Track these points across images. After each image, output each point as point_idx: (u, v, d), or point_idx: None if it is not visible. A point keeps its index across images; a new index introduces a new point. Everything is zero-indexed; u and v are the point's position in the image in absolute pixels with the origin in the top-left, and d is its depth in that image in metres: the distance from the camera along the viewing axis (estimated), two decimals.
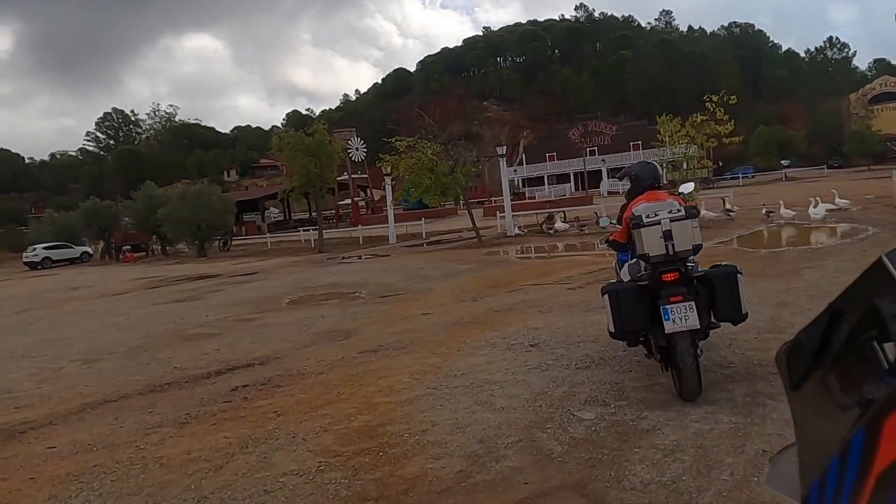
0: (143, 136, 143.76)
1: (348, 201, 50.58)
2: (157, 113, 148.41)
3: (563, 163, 69.90)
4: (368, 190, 52.56)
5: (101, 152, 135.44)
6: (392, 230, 27.43)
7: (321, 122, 25.86)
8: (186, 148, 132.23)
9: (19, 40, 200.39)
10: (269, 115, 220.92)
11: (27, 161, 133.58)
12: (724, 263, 4.72)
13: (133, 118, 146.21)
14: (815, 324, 0.60)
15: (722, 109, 17.23)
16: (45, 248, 41.59)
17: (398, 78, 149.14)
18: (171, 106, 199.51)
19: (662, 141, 18.44)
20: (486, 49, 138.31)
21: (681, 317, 4.17)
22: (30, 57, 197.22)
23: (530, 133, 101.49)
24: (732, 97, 16.86)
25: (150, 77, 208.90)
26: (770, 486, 0.93)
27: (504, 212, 24.17)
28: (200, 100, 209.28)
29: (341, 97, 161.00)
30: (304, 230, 40.01)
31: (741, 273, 4.48)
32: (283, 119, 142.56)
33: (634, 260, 4.77)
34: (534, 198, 57.60)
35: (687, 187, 5.94)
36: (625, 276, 4.86)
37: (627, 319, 4.41)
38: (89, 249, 42.84)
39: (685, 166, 18.97)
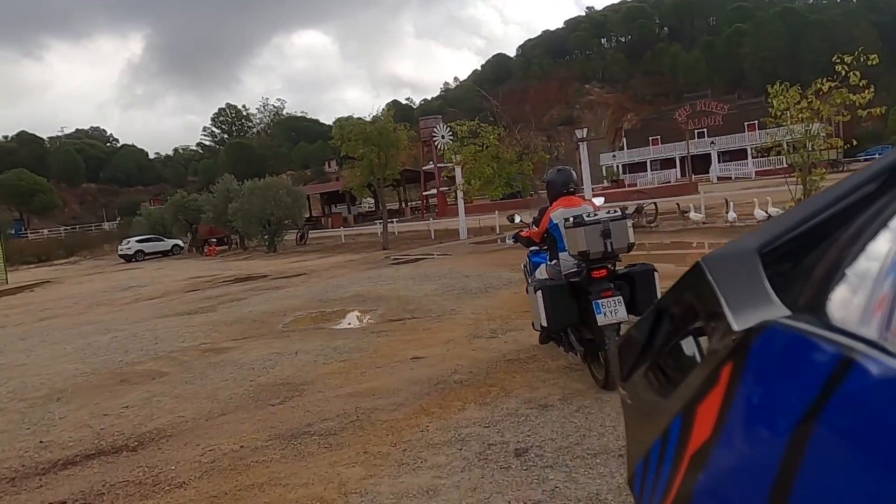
0: (254, 129, 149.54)
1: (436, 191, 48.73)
2: (266, 107, 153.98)
3: (667, 147, 64.38)
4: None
5: (217, 146, 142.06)
6: (462, 224, 24.99)
7: (388, 110, 23.79)
8: (293, 140, 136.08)
9: (149, 45, 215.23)
10: (375, 105, 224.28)
11: (153, 156, 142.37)
12: (641, 263, 5.11)
13: (245, 113, 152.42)
14: (642, 320, 0.63)
15: (858, 73, 13.39)
16: (139, 240, 42.47)
17: (498, 64, 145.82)
18: (279, 100, 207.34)
19: (775, 115, 14.67)
20: (589, 29, 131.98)
21: (611, 310, 4.54)
22: (158, 60, 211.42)
23: (634, 115, 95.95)
24: (872, 56, 12.94)
25: (264, 74, 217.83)
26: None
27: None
28: (311, 94, 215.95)
29: (442, 86, 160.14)
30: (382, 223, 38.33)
31: (657, 271, 4.92)
32: (384, 109, 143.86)
33: (555, 261, 5.17)
34: (634, 185, 53.23)
35: (599, 201, 6.09)
36: (540, 275, 5.32)
37: (560, 313, 4.73)
38: (180, 242, 43.39)
39: (809, 147, 15.10)
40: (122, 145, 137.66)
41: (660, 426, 0.58)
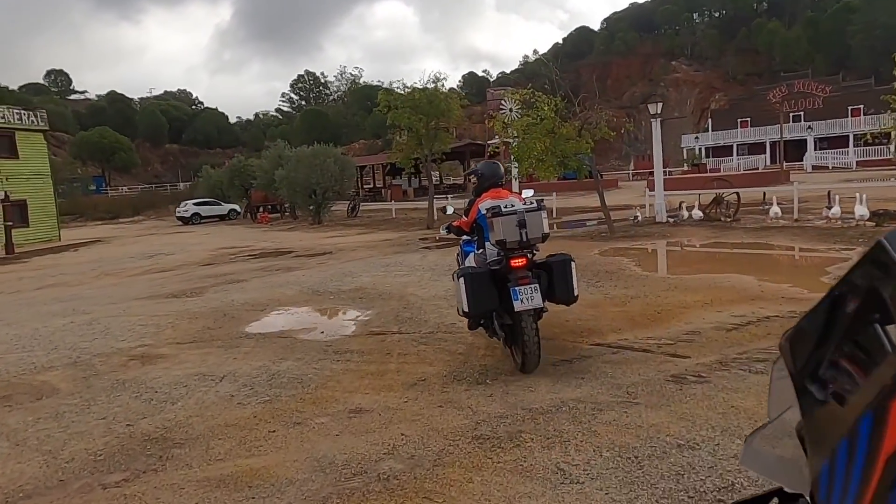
0: (331, 97, 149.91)
1: None
2: (343, 75, 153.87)
3: (757, 130, 59.08)
4: None
5: (294, 112, 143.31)
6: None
7: (440, 76, 21.64)
8: (367, 109, 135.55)
9: (237, 11, 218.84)
10: (452, 78, 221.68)
11: (234, 120, 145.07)
12: (560, 253, 5.36)
13: (323, 80, 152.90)
14: (816, 310, 0.59)
15: None
16: (196, 203, 42.12)
17: (580, 37, 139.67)
18: (356, 68, 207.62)
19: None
20: (679, 3, 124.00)
21: (528, 297, 4.74)
22: (245, 27, 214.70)
23: (722, 95, 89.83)
24: None
25: (345, 43, 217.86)
26: (745, 465, 0.90)
27: (654, 188, 18.37)
28: (390, 64, 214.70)
29: (521, 59, 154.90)
30: (442, 198, 36.37)
31: (574, 261, 5.17)
32: (460, 81, 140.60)
33: (481, 250, 5.49)
34: (717, 170, 49.01)
35: (528, 192, 6.29)
36: (470, 263, 5.56)
37: (480, 300, 4.91)
38: (237, 207, 42.78)
39: None
40: (205, 108, 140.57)
41: (845, 424, 0.53)
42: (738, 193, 17.52)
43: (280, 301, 9.51)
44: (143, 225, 44.60)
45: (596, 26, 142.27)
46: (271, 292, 10.32)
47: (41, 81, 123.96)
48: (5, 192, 25.81)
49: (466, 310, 4.94)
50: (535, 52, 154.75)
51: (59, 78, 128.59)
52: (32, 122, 30.11)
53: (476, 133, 71.16)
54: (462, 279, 4.92)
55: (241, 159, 41.88)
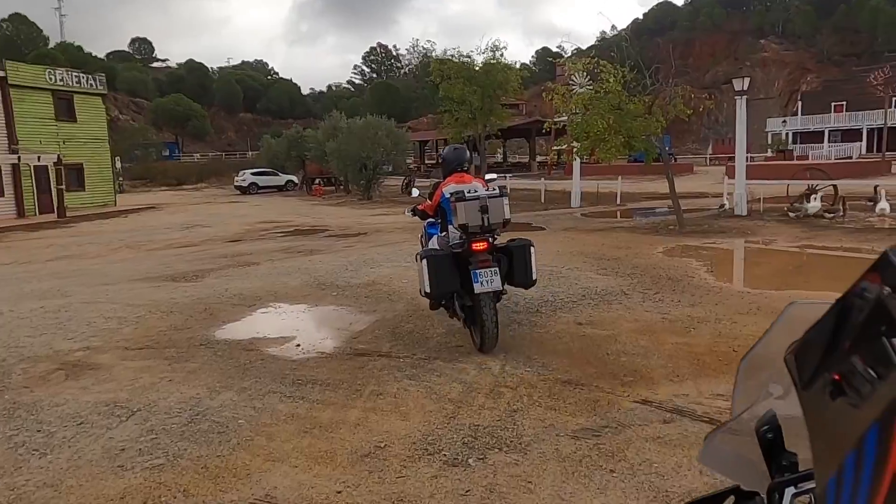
0: (402, 70, 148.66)
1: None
2: (415, 48, 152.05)
3: (853, 115, 54.05)
4: None
5: (365, 84, 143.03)
6: (576, 190, 20.66)
7: (499, 45, 19.69)
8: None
9: None
10: (525, 53, 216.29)
11: (307, 92, 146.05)
12: (519, 238, 5.52)
13: (395, 53, 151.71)
14: (822, 322, 0.59)
15: None
16: (253, 173, 41.77)
17: (662, 12, 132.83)
18: (429, 41, 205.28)
19: None
20: None
21: (488, 280, 4.88)
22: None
23: (814, 77, 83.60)
24: None
25: (420, 16, 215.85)
26: (703, 463, 0.91)
27: (735, 177, 16.05)
28: (464, 39, 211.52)
29: (598, 34, 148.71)
30: (500, 177, 34.57)
31: (534, 246, 5.35)
32: (533, 56, 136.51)
33: (444, 233, 5.63)
34: (805, 158, 45.01)
35: (491, 177, 6.10)
36: (433, 245, 5.65)
37: (442, 281, 5.03)
38: (294, 178, 42.17)
39: None
40: (279, 79, 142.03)
41: (853, 437, 0.53)
42: (835, 186, 15.06)
43: (277, 294, 8.14)
44: (203, 193, 44.70)
45: (680, 1, 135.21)
46: (274, 281, 8.97)
47: (126, 49, 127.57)
48: (59, 154, 25.64)
49: (428, 290, 5.07)
50: (613, 27, 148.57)
51: (142, 46, 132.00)
52: (91, 85, 29.96)
53: (546, 111, 68.51)
54: (425, 261, 5.02)
55: (299, 130, 41.06)
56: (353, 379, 4.80)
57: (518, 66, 19.77)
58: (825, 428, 0.59)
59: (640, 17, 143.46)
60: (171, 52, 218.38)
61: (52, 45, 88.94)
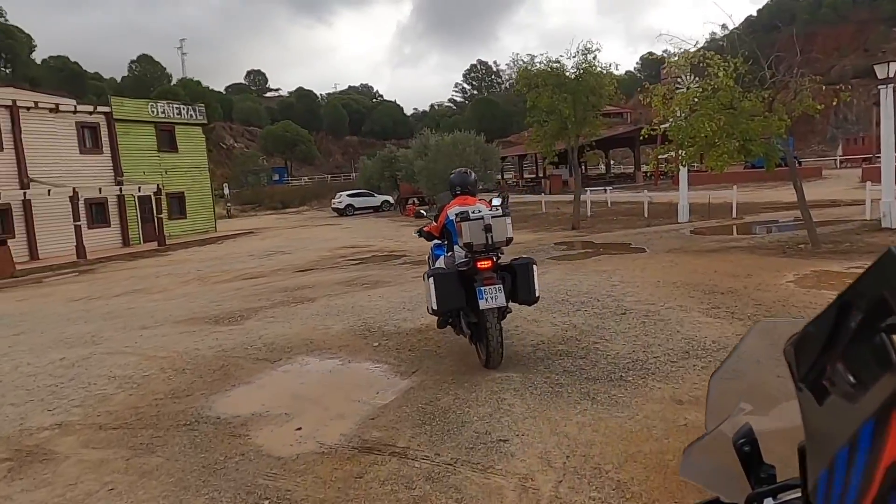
0: (503, 85, 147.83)
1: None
2: (515, 63, 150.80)
3: None
4: None
5: (466, 102, 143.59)
6: (683, 202, 18.33)
7: (592, 47, 17.81)
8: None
9: (416, 6, 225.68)
10: (628, 60, 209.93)
11: (411, 112, 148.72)
12: (523, 256, 5.59)
13: (495, 69, 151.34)
14: (823, 316, 0.60)
15: None
16: (350, 195, 41.81)
17: (778, 7, 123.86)
18: (529, 55, 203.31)
19: None
20: None
21: (492, 296, 4.98)
22: (423, 21, 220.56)
23: None
24: None
25: (521, 31, 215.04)
26: (684, 476, 0.94)
27: (882, 181, 13.30)
28: (567, 50, 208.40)
29: (707, 35, 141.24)
30: (600, 190, 32.46)
31: (536, 264, 5.43)
32: (637, 63, 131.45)
33: (451, 252, 5.69)
34: None
35: (497, 200, 5.74)
36: (440, 265, 5.68)
37: (448, 298, 5.13)
38: (390, 199, 41.83)
39: None
40: (382, 101, 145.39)
41: (846, 432, 0.54)
42: None
43: (312, 343, 6.91)
44: (303, 216, 45.34)
45: None
46: (317, 325, 7.78)
47: (242, 81, 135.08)
48: (158, 184, 26.32)
49: (435, 307, 5.14)
50: (724, 27, 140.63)
51: (257, 77, 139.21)
52: (191, 116, 30.83)
53: (652, 118, 64.91)
54: (431, 279, 5.15)
55: (393, 150, 40.70)
56: (339, 501, 3.38)
57: (614, 68, 17.73)
58: (821, 421, 0.59)
59: (755, 13, 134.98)
60: (285, 81, 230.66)
61: (174, 81, 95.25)
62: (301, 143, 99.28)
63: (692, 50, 12.40)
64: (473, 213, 5.16)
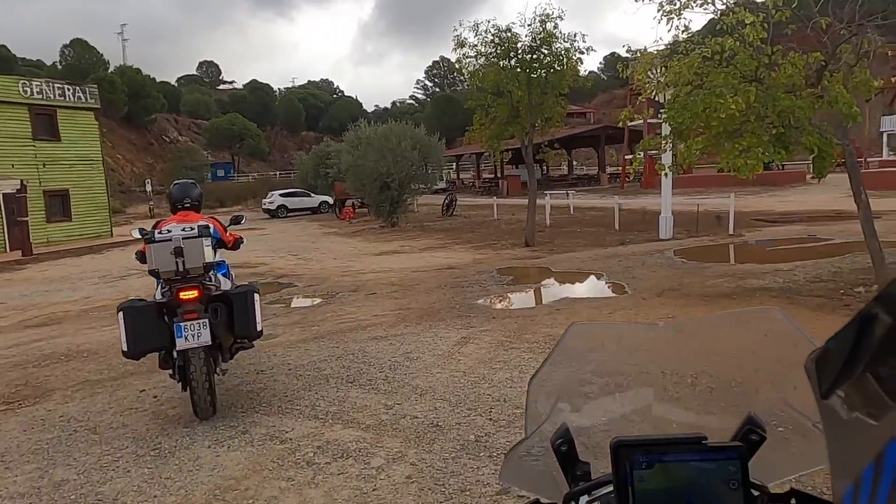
0: (466, 83, 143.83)
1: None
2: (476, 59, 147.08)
3: None
4: None
5: (428, 99, 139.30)
6: (666, 213, 14.37)
7: (553, 13, 13.65)
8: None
9: (378, 4, 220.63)
10: (590, 61, 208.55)
11: (372, 109, 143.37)
12: (246, 283, 4.95)
13: (457, 66, 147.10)
14: (844, 330, 0.57)
15: None
16: (283, 194, 37.05)
17: None
18: (472, 22, 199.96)
19: None
20: None
21: (193, 334, 4.22)
22: (385, 18, 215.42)
23: None
24: None
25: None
26: (504, 480, 0.94)
27: None
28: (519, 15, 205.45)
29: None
30: (561, 194, 28.55)
31: (258, 293, 4.69)
32: (600, 63, 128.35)
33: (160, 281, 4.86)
34: None
35: (243, 219, 5.58)
36: (158, 295, 4.74)
37: (142, 338, 4.32)
38: (329, 199, 37.16)
39: None
40: (342, 96, 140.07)
41: (872, 449, 0.52)
42: None
43: None
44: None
45: None
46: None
47: (194, 73, 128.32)
48: (22, 180, 21.32)
49: (124, 349, 4.35)
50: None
51: (209, 69, 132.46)
52: (79, 98, 25.77)
53: (616, 118, 61.68)
54: (121, 314, 4.31)
55: (330, 143, 36.14)
56: None
57: (581, 40, 13.64)
58: (844, 438, 0.58)
59: None
60: (243, 75, 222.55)
61: (111, 69, 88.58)
62: (249, 138, 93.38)
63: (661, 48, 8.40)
64: (160, 233, 4.40)
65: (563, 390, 0.88)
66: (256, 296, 4.66)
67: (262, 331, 4.74)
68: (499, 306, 8.20)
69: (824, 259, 9.93)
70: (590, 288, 9.40)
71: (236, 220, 5.46)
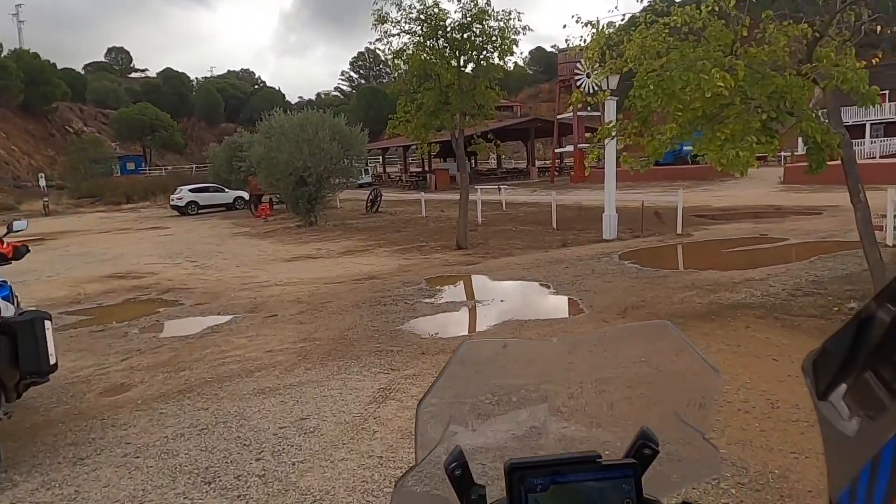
0: (392, 74, 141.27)
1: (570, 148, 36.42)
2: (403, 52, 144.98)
3: None
4: None
5: (353, 91, 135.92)
6: (610, 210, 13.15)
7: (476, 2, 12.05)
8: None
9: None
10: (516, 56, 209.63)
11: (296, 101, 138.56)
12: (32, 309, 4.28)
13: (383, 58, 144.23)
14: (842, 332, 0.59)
15: None
16: (193, 190, 34.12)
17: None
18: None
19: None
20: None
21: None
22: (308, 8, 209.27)
23: None
24: None
25: None
26: None
27: None
28: None
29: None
30: (493, 188, 27.12)
31: (50, 319, 4.05)
32: (525, 56, 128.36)
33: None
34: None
35: (20, 225, 5.06)
36: None
37: None
38: (245, 195, 34.51)
39: None
40: (263, 87, 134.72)
41: (869, 450, 0.52)
42: None
43: None
44: (140, 213, 37.10)
45: None
46: None
47: (102, 59, 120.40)
48: None
49: None
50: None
51: (119, 56, 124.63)
52: None
53: (542, 113, 61.15)
54: None
55: (243, 133, 33.55)
56: None
57: (517, 19, 12.15)
58: (840, 438, 0.58)
59: None
60: (158, 64, 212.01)
61: (5, 53, 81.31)
62: (162, 129, 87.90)
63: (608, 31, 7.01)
64: None
65: (455, 412, 0.84)
66: (48, 322, 4.02)
67: (56, 364, 4.08)
68: (429, 333, 6.60)
69: (794, 264, 8.84)
70: (538, 306, 7.92)
71: (11, 228, 4.86)
